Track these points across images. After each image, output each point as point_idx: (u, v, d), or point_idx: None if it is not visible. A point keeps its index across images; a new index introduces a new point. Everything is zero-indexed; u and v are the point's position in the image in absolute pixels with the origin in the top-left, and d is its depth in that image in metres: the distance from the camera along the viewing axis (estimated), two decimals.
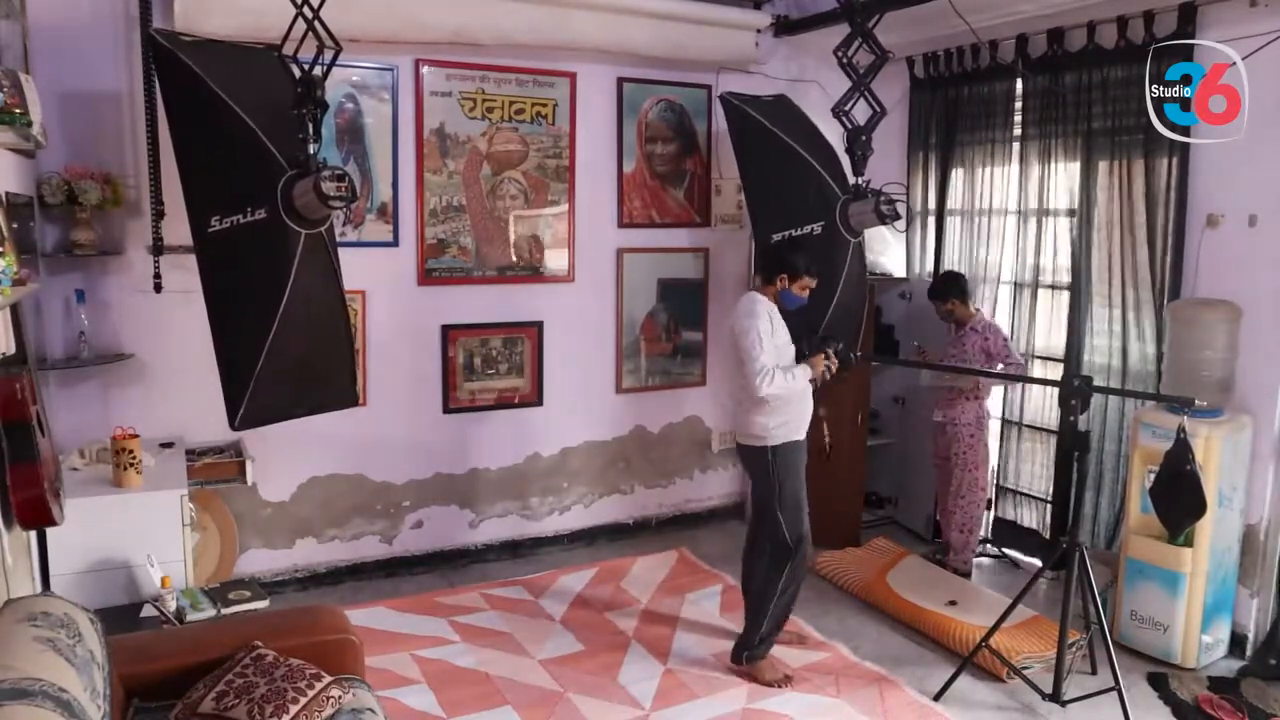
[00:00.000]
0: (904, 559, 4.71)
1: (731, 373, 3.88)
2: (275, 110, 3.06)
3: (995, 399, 4.96)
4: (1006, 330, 4.75)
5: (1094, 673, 3.74)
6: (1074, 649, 3.89)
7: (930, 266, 5.34)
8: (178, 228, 3.68)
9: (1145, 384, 4.20)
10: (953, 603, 4.21)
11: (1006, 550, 5.03)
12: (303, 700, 2.39)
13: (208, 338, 3.23)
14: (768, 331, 3.56)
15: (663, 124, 5.16)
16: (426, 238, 4.60)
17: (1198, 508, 3.52)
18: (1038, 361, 4.86)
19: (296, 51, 3.03)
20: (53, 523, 2.64)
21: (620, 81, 5.00)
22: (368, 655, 2.90)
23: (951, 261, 5.18)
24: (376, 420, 4.53)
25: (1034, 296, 4.77)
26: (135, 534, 3.36)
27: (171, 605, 3.24)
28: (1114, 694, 3.31)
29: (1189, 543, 3.74)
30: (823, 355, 3.68)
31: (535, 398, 4.96)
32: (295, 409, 3.52)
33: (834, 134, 4.49)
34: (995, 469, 5.07)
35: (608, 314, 5.14)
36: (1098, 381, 4.42)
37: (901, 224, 4.63)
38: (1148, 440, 3.90)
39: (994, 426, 5.05)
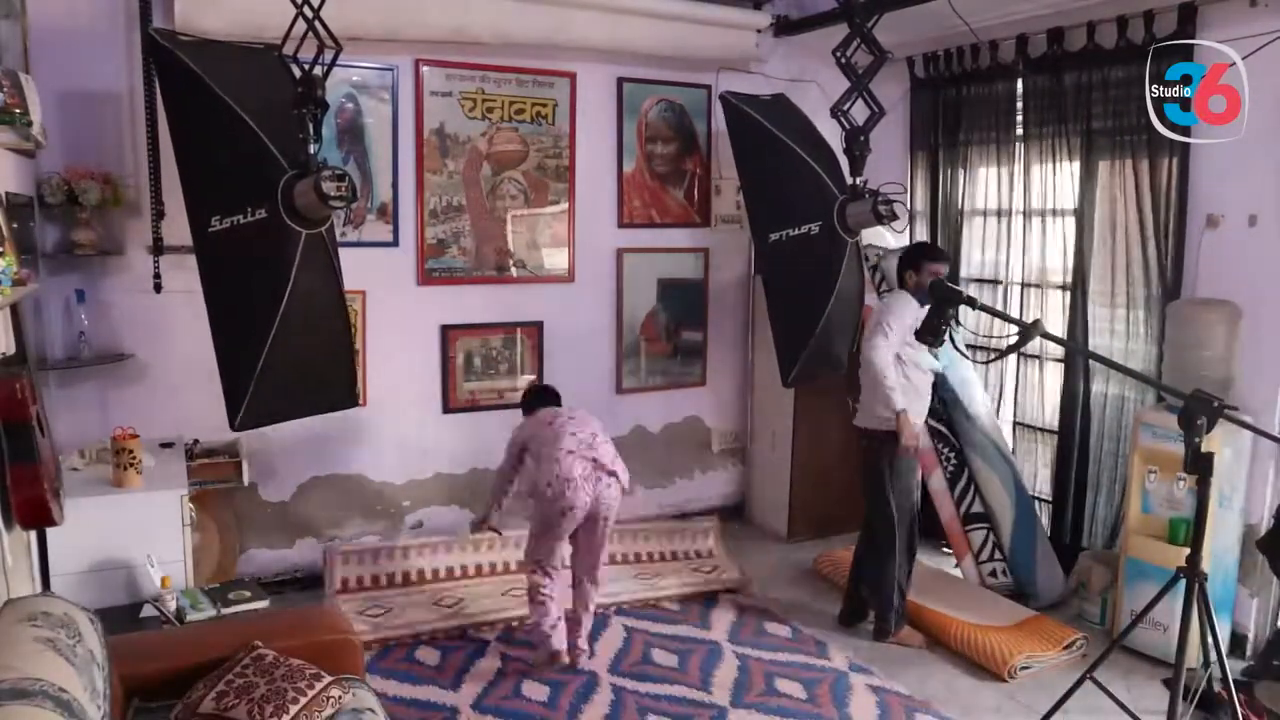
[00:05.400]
0: None
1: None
2: (275, 110, 3.06)
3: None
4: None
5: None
6: (1075, 648, 3.90)
7: None
8: (178, 228, 3.68)
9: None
10: (954, 602, 4.21)
11: None
12: (303, 700, 2.39)
13: (208, 338, 3.23)
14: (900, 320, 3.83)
15: (663, 124, 5.16)
16: (426, 238, 4.60)
17: None
18: (1036, 362, 4.84)
19: (297, 51, 3.03)
20: (53, 523, 2.64)
21: (620, 81, 5.00)
22: None
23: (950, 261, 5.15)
24: (376, 420, 4.53)
25: (1034, 296, 4.76)
26: (135, 534, 3.36)
27: (171, 605, 3.24)
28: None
29: (1189, 542, 3.72)
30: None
31: None
32: (295, 410, 3.52)
33: (833, 134, 4.49)
34: None
35: (608, 314, 5.14)
36: (1096, 377, 4.46)
37: (899, 224, 4.61)
38: (1148, 441, 3.90)
39: None
